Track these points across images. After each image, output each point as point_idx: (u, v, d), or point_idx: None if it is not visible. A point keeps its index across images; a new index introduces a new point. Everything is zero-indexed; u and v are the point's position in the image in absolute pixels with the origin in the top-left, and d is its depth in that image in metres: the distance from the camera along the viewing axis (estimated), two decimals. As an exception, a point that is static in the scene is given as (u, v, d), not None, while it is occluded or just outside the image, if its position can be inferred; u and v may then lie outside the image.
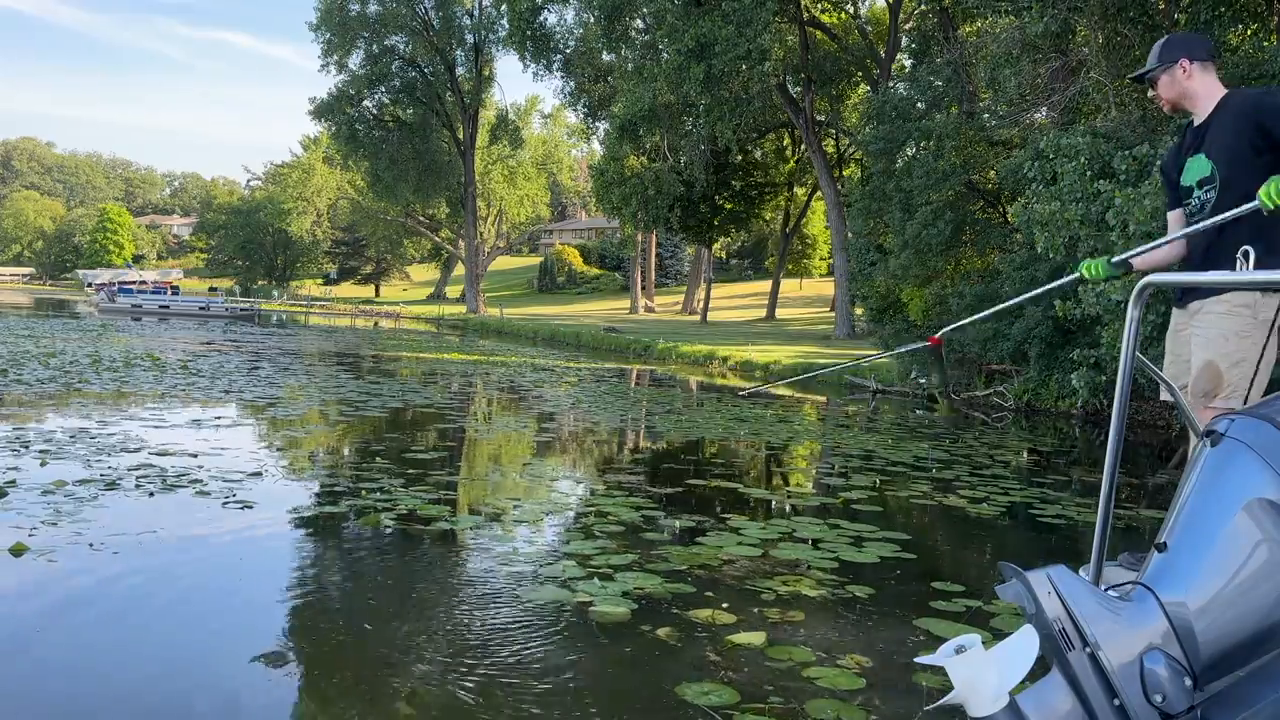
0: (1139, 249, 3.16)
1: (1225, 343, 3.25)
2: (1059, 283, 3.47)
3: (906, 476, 8.94)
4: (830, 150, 36.10)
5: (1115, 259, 3.29)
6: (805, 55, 30.90)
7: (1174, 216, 3.61)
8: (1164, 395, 3.44)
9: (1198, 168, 3.43)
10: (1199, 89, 3.44)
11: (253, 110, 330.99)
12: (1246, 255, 2.47)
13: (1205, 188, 3.42)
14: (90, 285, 71.36)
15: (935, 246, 17.31)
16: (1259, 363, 3.18)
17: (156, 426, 9.90)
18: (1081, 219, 11.31)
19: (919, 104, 20.34)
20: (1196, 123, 3.48)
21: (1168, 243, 3.10)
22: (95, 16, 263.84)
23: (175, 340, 25.51)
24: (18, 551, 5.22)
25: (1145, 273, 3.47)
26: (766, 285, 48.40)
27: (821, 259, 54.88)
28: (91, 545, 5.42)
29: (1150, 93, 3.64)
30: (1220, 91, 3.46)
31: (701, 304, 45.35)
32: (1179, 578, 1.60)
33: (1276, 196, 2.45)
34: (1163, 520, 1.73)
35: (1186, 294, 3.46)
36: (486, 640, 4.33)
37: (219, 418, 10.85)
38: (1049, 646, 1.54)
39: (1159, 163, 3.69)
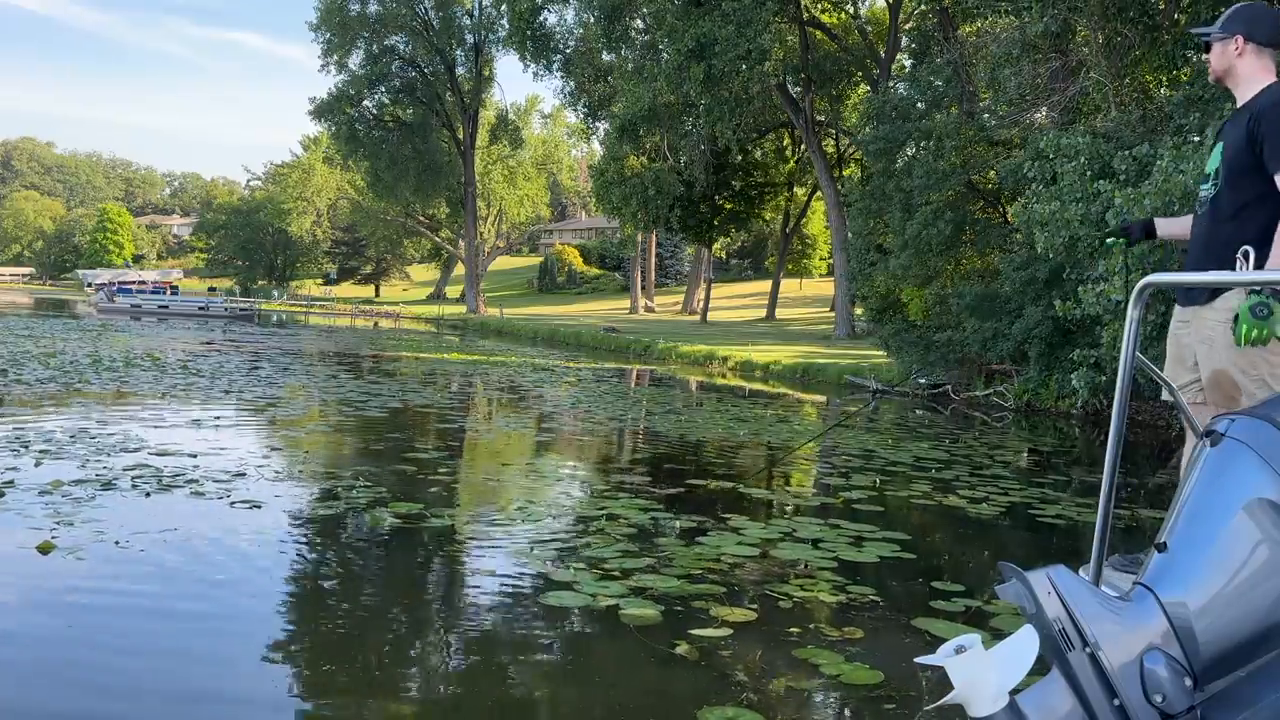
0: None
1: (1230, 350, 3.02)
2: None
3: (906, 476, 8.93)
4: (830, 150, 36.09)
5: (1130, 223, 3.22)
6: (805, 55, 30.89)
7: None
8: (1165, 395, 3.31)
9: (1214, 157, 3.21)
10: (1245, 71, 3.20)
11: (258, 111, 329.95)
12: (1246, 255, 2.44)
13: (1211, 181, 3.21)
14: (90, 285, 71.27)
15: (935, 246, 17.30)
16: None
17: (156, 426, 9.89)
18: (1081, 219, 11.30)
19: (919, 104, 20.33)
20: (1238, 105, 3.23)
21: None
22: (105, 16, 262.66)
23: (175, 340, 25.51)
24: (45, 549, 5.28)
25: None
26: (766, 285, 48.39)
27: (821, 259, 54.88)
28: (112, 544, 5.42)
29: (1204, 56, 3.38)
30: (1267, 81, 3.18)
31: (701, 304, 45.35)
32: (1179, 578, 1.59)
33: (1245, 338, 2.39)
34: (1163, 520, 1.73)
35: (1184, 295, 3.29)
36: (492, 644, 4.33)
37: (219, 418, 10.85)
38: (1049, 646, 1.54)
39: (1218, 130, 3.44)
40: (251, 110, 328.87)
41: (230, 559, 5.41)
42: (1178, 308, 3.36)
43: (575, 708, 3.72)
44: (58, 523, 5.80)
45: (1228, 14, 3.28)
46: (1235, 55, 3.20)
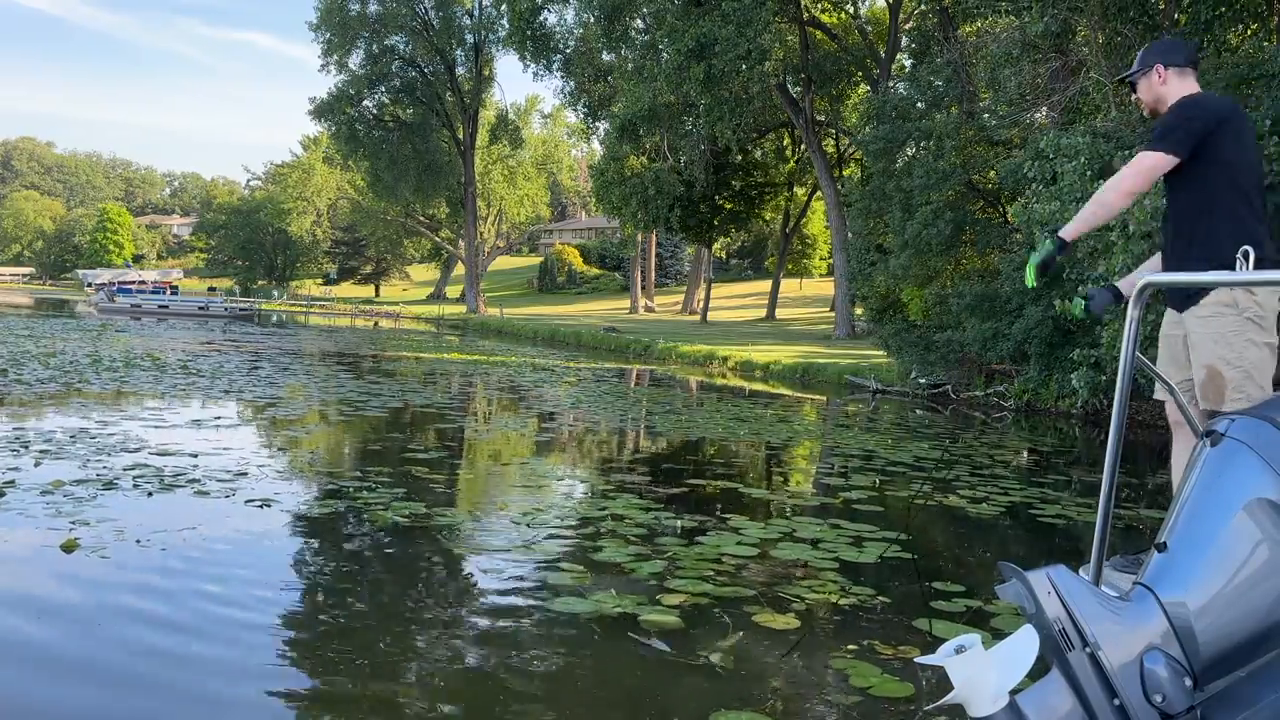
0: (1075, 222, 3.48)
1: (1217, 346, 3.30)
2: None
3: (906, 476, 8.93)
4: (830, 150, 36.08)
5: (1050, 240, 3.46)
6: (805, 55, 30.89)
7: None
8: (1159, 394, 3.50)
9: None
10: (1173, 95, 3.53)
11: (264, 110, 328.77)
12: (1246, 255, 2.45)
13: (1165, 193, 3.59)
14: (90, 285, 71.24)
15: (935, 246, 17.30)
16: (1267, 358, 3.27)
17: (157, 426, 9.89)
18: (1081, 219, 11.30)
19: (919, 104, 20.33)
20: None
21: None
22: (117, 17, 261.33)
23: (175, 340, 25.50)
24: (69, 548, 5.30)
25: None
26: (766, 285, 48.40)
27: (821, 259, 54.89)
28: (133, 543, 5.43)
29: (1133, 96, 3.80)
30: None
31: (701, 304, 45.34)
32: (1179, 578, 1.60)
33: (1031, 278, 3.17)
34: (1163, 520, 1.73)
35: (1173, 299, 3.58)
36: (496, 649, 4.33)
37: (219, 417, 10.84)
38: (1049, 646, 1.54)
39: None
40: (257, 110, 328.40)
41: (239, 558, 5.41)
42: (1169, 310, 3.63)
43: (581, 713, 3.72)
44: (73, 522, 5.81)
45: (1141, 53, 3.66)
46: (1160, 84, 3.57)
